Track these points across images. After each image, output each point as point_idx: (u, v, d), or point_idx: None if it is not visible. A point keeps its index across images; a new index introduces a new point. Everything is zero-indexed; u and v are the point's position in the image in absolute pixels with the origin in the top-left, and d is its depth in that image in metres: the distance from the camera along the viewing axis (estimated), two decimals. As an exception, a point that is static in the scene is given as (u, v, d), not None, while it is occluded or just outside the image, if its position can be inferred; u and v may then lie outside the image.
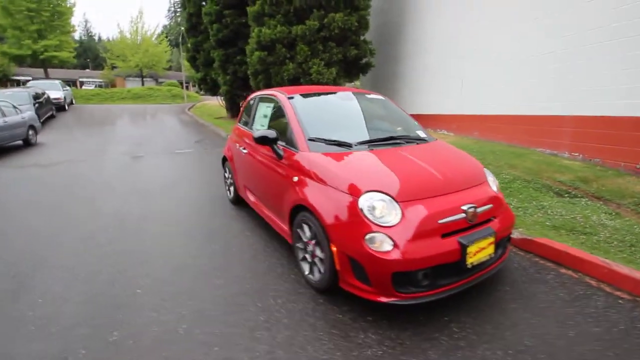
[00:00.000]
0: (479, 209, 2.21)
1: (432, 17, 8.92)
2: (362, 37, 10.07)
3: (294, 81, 9.60)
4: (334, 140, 2.65)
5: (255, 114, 3.69)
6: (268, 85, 10.44)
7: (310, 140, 2.64)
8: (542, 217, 3.45)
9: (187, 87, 34.32)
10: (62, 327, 2.10)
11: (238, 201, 4.31)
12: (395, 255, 1.93)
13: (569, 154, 5.33)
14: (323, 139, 2.66)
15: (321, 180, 2.34)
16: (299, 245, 2.63)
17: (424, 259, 1.97)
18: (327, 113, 3.06)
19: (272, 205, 3.11)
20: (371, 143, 2.70)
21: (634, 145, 4.45)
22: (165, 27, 53.21)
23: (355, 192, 2.14)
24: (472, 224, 2.18)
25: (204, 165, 7.01)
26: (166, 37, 38.09)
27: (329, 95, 3.32)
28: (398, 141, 2.80)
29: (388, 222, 2.02)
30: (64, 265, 2.87)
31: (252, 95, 4.04)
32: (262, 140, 2.84)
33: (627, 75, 4.53)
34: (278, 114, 3.14)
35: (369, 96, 3.53)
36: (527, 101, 6.05)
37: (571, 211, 3.53)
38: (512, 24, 6.32)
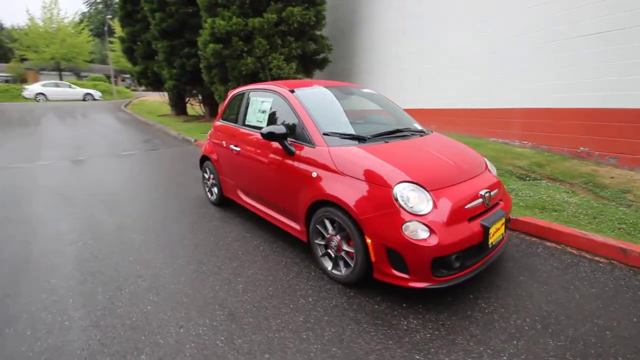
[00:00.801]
0: (492, 193, 2.42)
1: (384, 13, 9.29)
2: (319, 33, 10.13)
3: (253, 76, 9.32)
4: (349, 134, 2.66)
5: (246, 110, 3.53)
6: (224, 80, 9.98)
7: (325, 135, 2.61)
8: (515, 198, 3.86)
9: (115, 82, 31.15)
10: None
11: (222, 202, 4.10)
12: (434, 241, 2.03)
13: (520, 142, 6.02)
14: (337, 133, 2.65)
15: (348, 174, 2.34)
16: (319, 241, 2.61)
17: (458, 243, 2.10)
18: (330, 107, 3.05)
19: (277, 204, 3.02)
20: (383, 136, 2.77)
21: (573, 133, 5.18)
22: (84, 14, 47.40)
23: (387, 183, 2.19)
24: (488, 208, 2.37)
25: (165, 166, 6.50)
26: (87, 26, 33.95)
27: (325, 89, 3.30)
28: (405, 134, 2.91)
29: (422, 211, 2.11)
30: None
31: (239, 90, 3.85)
32: (271, 137, 2.73)
33: (562, 72, 5.24)
34: (280, 109, 3.04)
35: (363, 90, 3.59)
36: (480, 96, 6.66)
37: (537, 192, 4.01)
38: (462, 25, 6.88)
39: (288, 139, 2.76)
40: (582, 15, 4.93)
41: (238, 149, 3.46)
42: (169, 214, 3.96)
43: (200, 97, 14.40)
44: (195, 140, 9.30)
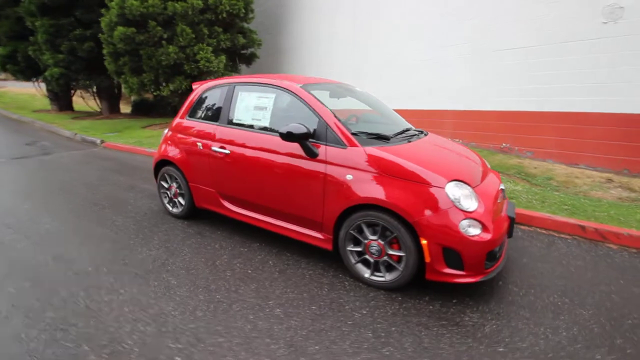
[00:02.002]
0: (503, 187, 2.66)
1: (310, 10, 9.35)
2: (247, 25, 9.59)
3: (175, 67, 8.27)
4: (375, 134, 2.57)
5: (231, 106, 3.07)
6: (137, 71, 8.58)
7: (353, 134, 2.46)
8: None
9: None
10: None
11: (191, 215, 3.51)
12: (488, 236, 2.11)
13: (451, 140, 6.83)
14: (364, 133, 2.53)
15: (393, 176, 2.25)
16: (352, 248, 2.45)
17: (502, 235, 2.24)
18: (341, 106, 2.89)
19: (289, 212, 2.72)
20: (401, 135, 2.76)
21: (497, 131, 6.14)
22: None
23: (438, 183, 2.18)
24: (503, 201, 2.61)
25: (76, 175, 5.25)
26: None
27: (325, 86, 3.11)
28: (415, 133, 2.96)
29: (470, 208, 2.17)
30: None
31: (213, 84, 3.32)
32: (290, 137, 2.44)
33: (486, 79, 6.16)
34: (289, 106, 2.74)
35: (357, 89, 3.52)
36: (415, 98, 7.31)
37: (488, 183, 4.61)
38: (398, 30, 7.42)
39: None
40: (503, 32, 5.85)
41: (225, 151, 2.99)
42: (125, 235, 3.19)
43: (94, 90, 12.08)
44: (103, 142, 7.78)
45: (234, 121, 3.04)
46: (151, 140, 7.63)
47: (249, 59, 10.16)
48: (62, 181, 4.88)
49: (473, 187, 2.27)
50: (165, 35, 8.02)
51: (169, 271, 2.60)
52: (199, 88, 3.45)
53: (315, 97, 2.63)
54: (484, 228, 2.13)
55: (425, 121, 7.22)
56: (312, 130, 2.47)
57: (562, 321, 2.08)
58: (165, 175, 3.63)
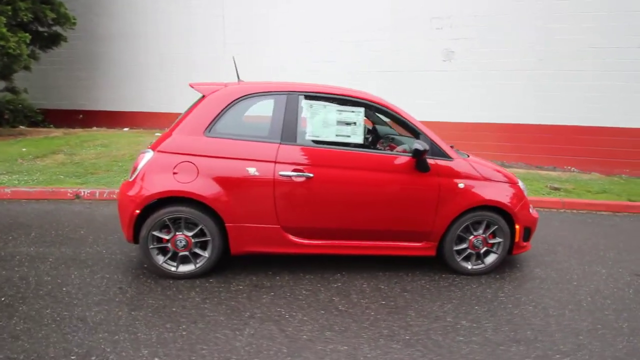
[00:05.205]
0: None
1: None
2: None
3: None
4: (450, 146, 2.94)
5: (300, 121, 2.53)
6: None
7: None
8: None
9: None
10: None
11: (211, 268, 2.60)
12: (537, 214, 3.04)
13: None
14: (451, 145, 2.85)
15: (492, 179, 2.75)
16: (458, 247, 2.77)
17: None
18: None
19: (390, 229, 2.67)
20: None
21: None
22: None
23: (514, 180, 2.88)
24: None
25: None
26: None
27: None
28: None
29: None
30: None
31: (263, 90, 2.60)
32: (418, 154, 2.46)
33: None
34: (379, 120, 2.63)
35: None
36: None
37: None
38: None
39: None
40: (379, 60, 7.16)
41: (307, 174, 2.47)
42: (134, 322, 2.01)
43: None
44: None
45: (310, 138, 2.54)
46: None
47: (54, 41, 7.19)
48: None
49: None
50: None
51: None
52: (224, 94, 2.53)
53: (406, 112, 2.70)
54: (533, 208, 3.05)
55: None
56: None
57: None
58: (166, 221, 2.43)
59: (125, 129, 8.56)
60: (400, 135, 3.24)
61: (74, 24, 7.09)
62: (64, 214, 3.77)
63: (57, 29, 7.01)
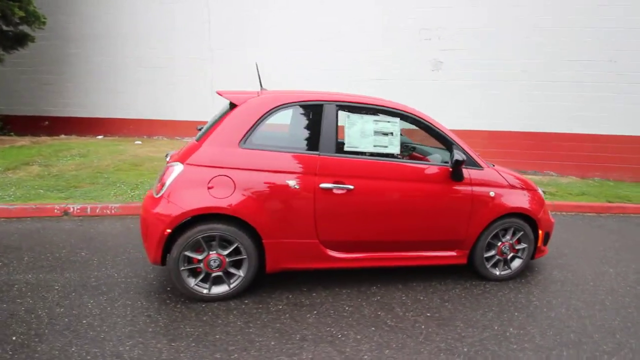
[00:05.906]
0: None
1: None
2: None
3: None
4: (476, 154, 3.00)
5: (338, 131, 2.46)
6: None
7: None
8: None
9: None
10: None
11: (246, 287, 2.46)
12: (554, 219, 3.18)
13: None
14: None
15: (517, 187, 2.83)
16: (489, 254, 2.82)
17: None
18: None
19: (426, 239, 2.67)
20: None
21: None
22: None
23: (534, 187, 2.98)
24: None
25: None
26: None
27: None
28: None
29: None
30: None
31: (299, 99, 2.46)
32: (457, 164, 2.49)
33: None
34: (417, 132, 2.62)
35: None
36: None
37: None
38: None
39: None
40: (366, 68, 7.28)
41: (347, 186, 2.40)
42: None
43: None
44: None
45: (349, 149, 2.47)
46: None
47: (18, 41, 6.56)
48: None
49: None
50: None
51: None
52: (258, 103, 2.40)
53: (438, 122, 2.72)
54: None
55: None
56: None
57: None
58: (200, 240, 2.26)
59: (99, 137, 7.97)
60: (421, 144, 3.26)
61: (44, 23, 6.49)
62: (54, 234, 3.39)
63: (25, 28, 6.38)
